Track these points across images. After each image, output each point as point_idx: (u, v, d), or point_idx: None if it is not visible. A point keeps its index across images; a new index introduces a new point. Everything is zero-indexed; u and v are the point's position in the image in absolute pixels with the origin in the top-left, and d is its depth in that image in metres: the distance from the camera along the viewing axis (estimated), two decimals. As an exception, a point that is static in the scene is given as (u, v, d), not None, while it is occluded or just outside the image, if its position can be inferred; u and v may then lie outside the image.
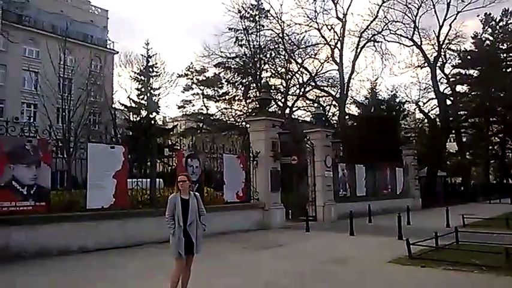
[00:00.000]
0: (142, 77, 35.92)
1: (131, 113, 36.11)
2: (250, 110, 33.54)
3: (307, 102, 36.92)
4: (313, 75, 35.16)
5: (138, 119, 35.17)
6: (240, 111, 36.74)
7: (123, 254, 9.57)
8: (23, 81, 36.77)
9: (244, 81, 36.49)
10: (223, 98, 39.32)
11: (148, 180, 12.18)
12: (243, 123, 30.96)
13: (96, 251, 9.68)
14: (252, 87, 35.79)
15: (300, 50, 34.69)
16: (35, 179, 9.50)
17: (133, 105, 35.75)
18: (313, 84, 35.54)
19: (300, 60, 35.14)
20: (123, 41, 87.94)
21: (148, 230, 10.73)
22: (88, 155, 10.61)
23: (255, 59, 35.00)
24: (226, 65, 36.32)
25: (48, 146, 10.14)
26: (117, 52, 42.46)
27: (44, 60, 32.50)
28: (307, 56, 35.20)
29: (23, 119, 31.96)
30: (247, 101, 36.05)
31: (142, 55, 35.87)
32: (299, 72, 35.92)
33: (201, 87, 42.44)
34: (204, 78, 41.86)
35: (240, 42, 34.74)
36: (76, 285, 6.94)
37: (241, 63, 35.78)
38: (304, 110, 37.24)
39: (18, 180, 9.25)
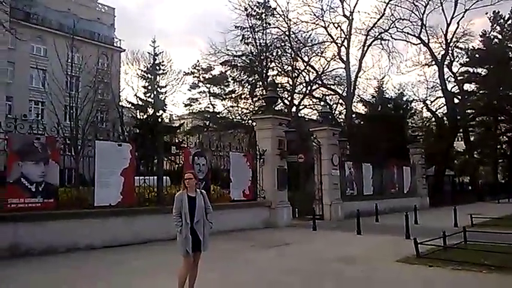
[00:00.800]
0: (149, 75, 36.02)
1: (138, 111, 36.22)
2: (256, 108, 33.48)
3: (314, 100, 36.86)
4: (319, 73, 35.09)
5: (145, 116, 35.24)
6: (247, 109, 36.75)
7: (130, 251, 9.60)
8: (30, 78, 37.06)
9: (250, 79, 36.49)
10: (230, 96, 39.31)
11: (155, 177, 12.21)
12: (250, 121, 30.98)
13: (103, 248, 9.73)
14: (258, 86, 35.79)
15: (307, 48, 34.64)
16: (44, 176, 9.57)
17: (140, 103, 35.87)
18: (320, 82, 35.46)
19: (306, 59, 35.11)
20: (130, 39, 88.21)
21: (155, 227, 10.78)
22: (95, 152, 10.65)
23: (262, 57, 34.97)
24: (233, 63, 36.35)
25: (56, 144, 10.21)
26: (124, 50, 42.70)
27: (51, 58, 32.67)
28: (314, 54, 35.17)
29: (30, 116, 32.16)
30: (254, 99, 36.05)
31: (149, 53, 36.01)
32: (306, 71, 35.89)
33: (208, 85, 42.44)
34: (211, 76, 41.87)
35: (246, 40, 34.78)
36: (80, 283, 6.94)
37: (248, 61, 35.77)
38: (310, 108, 37.20)
39: (26, 177, 9.32)
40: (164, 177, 12.58)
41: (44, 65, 35.20)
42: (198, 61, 42.18)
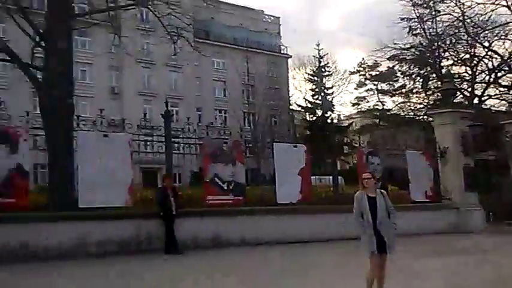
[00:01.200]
0: (316, 78, 37.07)
1: (308, 113, 37.71)
2: (431, 103, 31.05)
3: (501, 89, 32.17)
4: (505, 58, 30.46)
5: (314, 118, 36.43)
6: (420, 104, 34.46)
7: (312, 248, 9.94)
8: (213, 90, 41.94)
9: (422, 72, 34.06)
10: (400, 91, 37.49)
11: (328, 177, 12.41)
12: (425, 117, 28.92)
13: (287, 244, 10.24)
14: (431, 78, 33.20)
15: (486, 32, 30.37)
16: (233, 176, 10.69)
17: (309, 105, 37.33)
18: (507, 68, 30.79)
19: (487, 44, 30.81)
20: (294, 44, 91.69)
21: (333, 226, 10.88)
22: (274, 153, 11.40)
23: (433, 48, 32.26)
24: (401, 56, 34.49)
25: (240, 147, 11.37)
26: (291, 56, 44.68)
27: (228, 70, 36.49)
28: (496, 37, 30.57)
29: (216, 123, 36.41)
30: (427, 93, 33.56)
31: (314, 56, 37.10)
32: (487, 57, 31.50)
33: (375, 83, 41.40)
34: (377, 73, 40.71)
35: (414, 32, 32.56)
36: (270, 267, 7.57)
37: (418, 53, 33.47)
38: (497, 98, 32.61)
39: (219, 176, 10.55)
40: (339, 177, 12.67)
41: (224, 77, 39.48)
42: (363, 59, 41.53)
